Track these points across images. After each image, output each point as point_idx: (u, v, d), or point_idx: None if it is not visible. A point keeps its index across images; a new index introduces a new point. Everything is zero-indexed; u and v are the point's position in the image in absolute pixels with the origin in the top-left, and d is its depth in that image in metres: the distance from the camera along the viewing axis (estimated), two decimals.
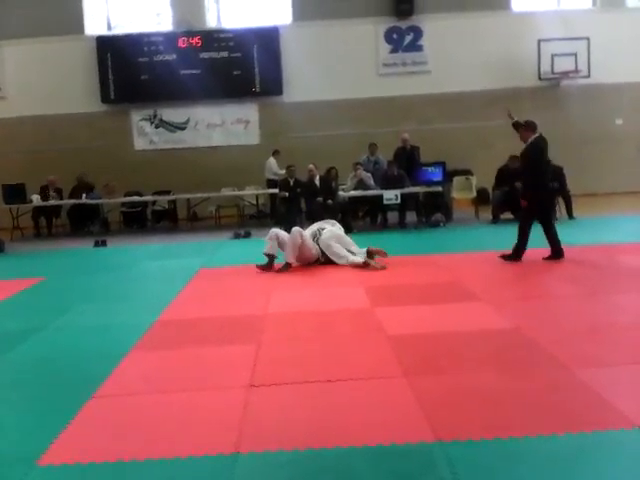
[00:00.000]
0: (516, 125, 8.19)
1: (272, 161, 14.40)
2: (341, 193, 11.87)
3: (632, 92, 15.78)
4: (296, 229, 8.04)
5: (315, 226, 8.49)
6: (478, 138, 15.37)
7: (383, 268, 7.58)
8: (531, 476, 2.81)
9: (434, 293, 6.38)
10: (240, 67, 15.72)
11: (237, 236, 11.45)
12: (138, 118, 16.02)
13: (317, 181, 11.97)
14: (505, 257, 7.84)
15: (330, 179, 11.97)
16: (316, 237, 8.17)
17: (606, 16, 15.71)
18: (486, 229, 10.92)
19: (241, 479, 2.89)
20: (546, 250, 7.85)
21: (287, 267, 7.81)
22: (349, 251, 8.09)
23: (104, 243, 11.38)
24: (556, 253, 7.77)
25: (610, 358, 4.22)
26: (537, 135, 7.97)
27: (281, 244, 8.05)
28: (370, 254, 7.91)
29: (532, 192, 7.83)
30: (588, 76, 15.32)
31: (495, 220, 11.78)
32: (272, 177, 14.20)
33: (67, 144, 15.39)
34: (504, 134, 15.63)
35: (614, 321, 5.12)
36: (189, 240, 11.71)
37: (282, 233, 8.11)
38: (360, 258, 7.86)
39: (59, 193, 13.68)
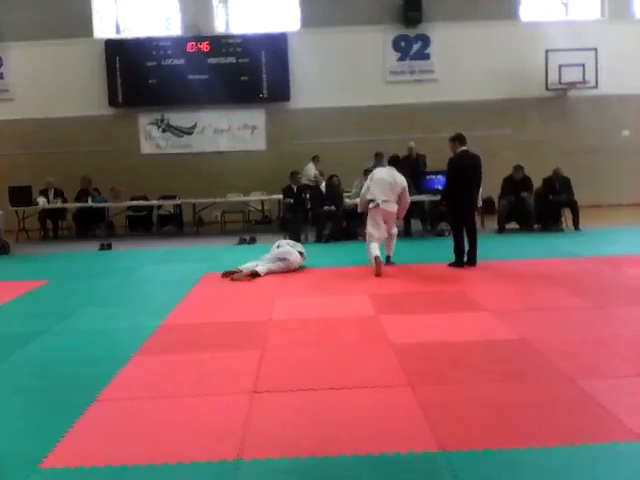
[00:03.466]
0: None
1: (311, 166, 14.01)
2: (347, 200, 11.86)
3: (639, 103, 15.76)
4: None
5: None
6: (484, 147, 15.25)
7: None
8: None
9: (439, 302, 6.37)
10: (248, 73, 15.72)
11: (242, 242, 11.44)
12: (145, 122, 16.03)
13: (323, 187, 11.97)
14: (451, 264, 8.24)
15: (334, 186, 11.94)
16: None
17: (614, 27, 15.68)
18: (492, 239, 10.88)
19: None
20: (549, 261, 7.92)
21: None
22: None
23: (109, 247, 11.39)
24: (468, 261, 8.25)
25: (615, 370, 4.21)
26: (462, 149, 8.11)
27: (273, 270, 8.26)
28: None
29: (451, 199, 8.30)
30: (595, 87, 15.26)
31: (501, 230, 11.77)
32: (307, 183, 14.04)
33: (74, 147, 15.41)
34: (510, 144, 15.75)
35: (619, 333, 5.10)
36: (194, 245, 11.72)
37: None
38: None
39: (61, 195, 13.64)
